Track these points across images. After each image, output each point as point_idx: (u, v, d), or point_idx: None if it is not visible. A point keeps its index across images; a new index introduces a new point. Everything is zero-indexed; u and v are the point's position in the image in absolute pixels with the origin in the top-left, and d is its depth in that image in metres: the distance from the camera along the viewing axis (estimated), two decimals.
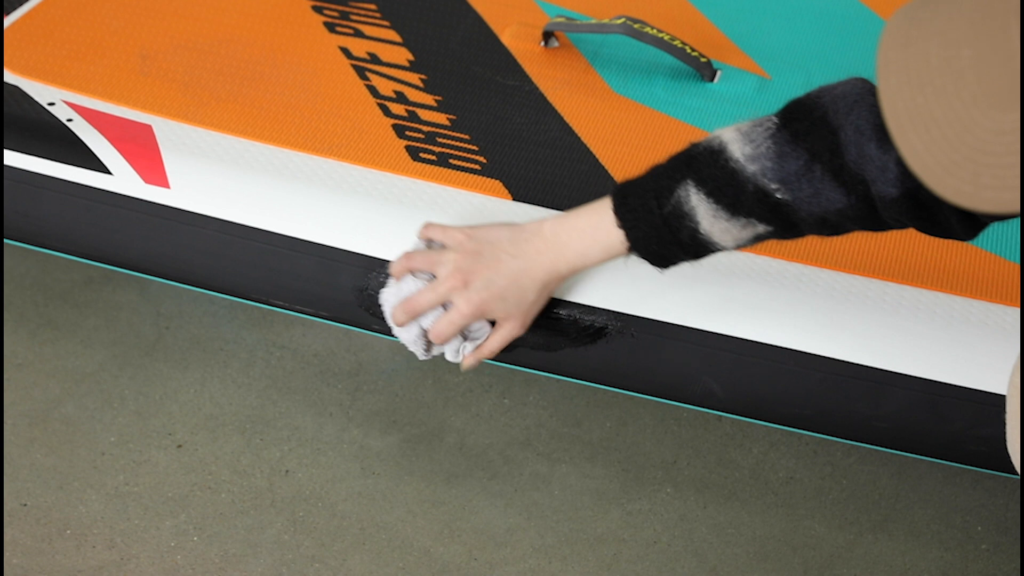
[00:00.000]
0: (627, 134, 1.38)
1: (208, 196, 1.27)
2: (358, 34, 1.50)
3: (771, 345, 1.18)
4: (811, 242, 1.23)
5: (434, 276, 1.13)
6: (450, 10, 1.55)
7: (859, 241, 1.25)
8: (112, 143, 1.30)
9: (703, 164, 1.02)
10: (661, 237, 1.04)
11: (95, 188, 1.28)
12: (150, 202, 1.27)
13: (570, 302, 1.20)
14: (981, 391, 1.15)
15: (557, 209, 1.28)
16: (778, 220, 1.01)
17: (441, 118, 1.38)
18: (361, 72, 1.44)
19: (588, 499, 1.47)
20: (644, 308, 1.18)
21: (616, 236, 1.06)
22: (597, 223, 1.07)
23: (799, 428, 1.21)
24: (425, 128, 1.37)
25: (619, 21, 1.45)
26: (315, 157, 1.32)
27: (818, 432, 1.22)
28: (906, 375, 1.16)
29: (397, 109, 1.39)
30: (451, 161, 1.32)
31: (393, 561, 1.40)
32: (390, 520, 1.44)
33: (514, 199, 1.29)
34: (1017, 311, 1.20)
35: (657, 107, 1.42)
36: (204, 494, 1.46)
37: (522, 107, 1.41)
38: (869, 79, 1.02)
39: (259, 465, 1.49)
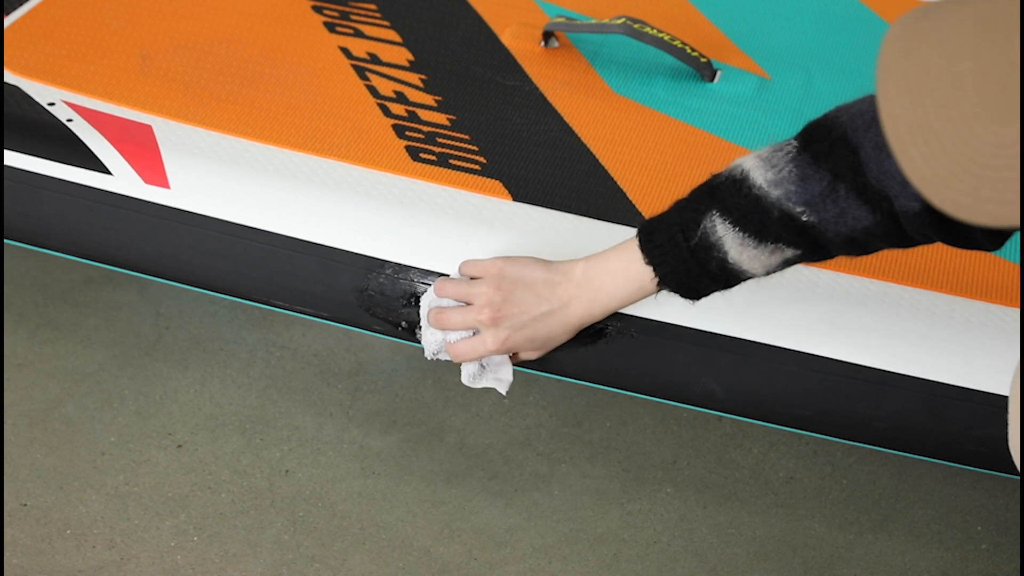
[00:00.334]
0: (627, 134, 1.38)
1: (208, 196, 1.27)
2: (358, 34, 1.50)
3: (771, 345, 1.18)
4: None
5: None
6: (450, 10, 1.55)
7: None
8: (112, 143, 1.30)
9: (727, 194, 1.02)
10: (690, 270, 1.05)
11: (95, 188, 1.28)
12: (150, 202, 1.27)
13: None
14: (981, 391, 1.15)
15: (557, 209, 1.28)
16: (806, 243, 1.02)
17: (441, 118, 1.38)
18: (361, 72, 1.44)
19: (588, 499, 1.47)
20: (644, 308, 1.18)
21: (646, 273, 1.07)
22: (627, 263, 1.07)
23: (799, 428, 1.21)
24: (425, 128, 1.37)
25: (619, 21, 1.45)
26: (315, 157, 1.32)
27: (818, 432, 1.22)
28: (906, 375, 1.16)
29: (397, 109, 1.39)
30: (451, 161, 1.32)
31: (393, 561, 1.40)
32: (390, 520, 1.44)
33: (514, 199, 1.29)
34: (1017, 311, 1.20)
35: (657, 107, 1.42)
36: (204, 494, 1.46)
37: (522, 107, 1.41)
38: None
39: (259, 465, 1.49)
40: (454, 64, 1.46)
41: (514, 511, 1.46)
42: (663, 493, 1.48)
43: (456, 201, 1.28)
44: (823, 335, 1.18)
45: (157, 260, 1.29)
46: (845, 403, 1.18)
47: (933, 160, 0.70)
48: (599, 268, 1.10)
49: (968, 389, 1.16)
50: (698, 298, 1.08)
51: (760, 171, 1.01)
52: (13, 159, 1.29)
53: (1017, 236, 1.28)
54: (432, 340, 1.16)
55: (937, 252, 1.25)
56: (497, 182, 1.31)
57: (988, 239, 0.97)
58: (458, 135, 1.36)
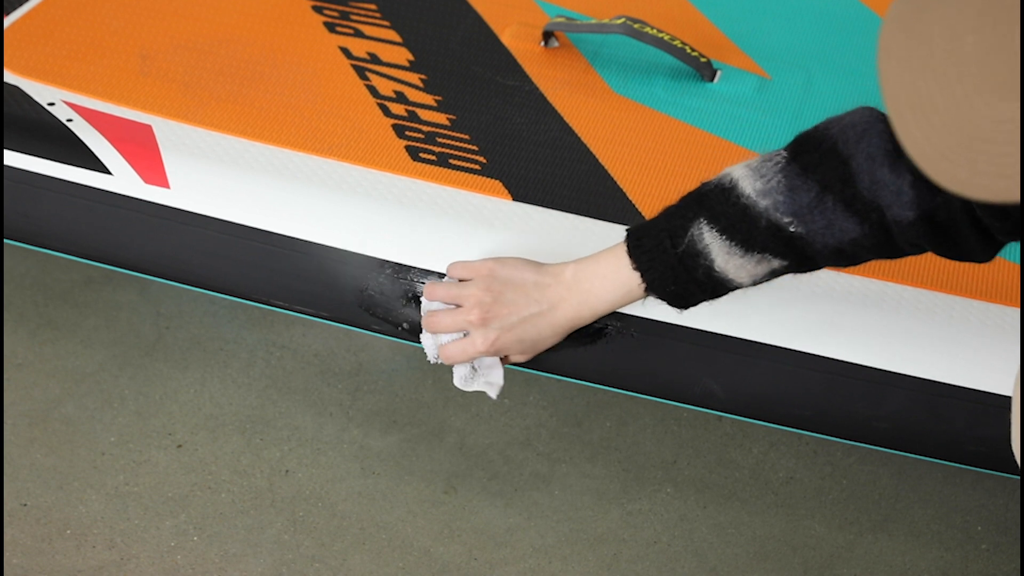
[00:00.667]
0: (627, 134, 1.38)
1: (208, 196, 1.27)
2: (358, 34, 1.50)
3: (771, 345, 1.18)
4: None
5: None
6: (450, 10, 1.55)
7: None
8: (112, 143, 1.30)
9: (715, 202, 1.02)
10: (677, 277, 1.05)
11: (95, 188, 1.28)
12: (150, 202, 1.27)
13: None
14: (981, 391, 1.15)
15: (557, 209, 1.28)
16: (793, 254, 1.02)
17: (441, 118, 1.38)
18: (361, 72, 1.44)
19: (588, 499, 1.47)
20: (644, 308, 1.18)
21: (634, 279, 1.07)
22: (616, 267, 1.08)
23: (799, 428, 1.21)
24: (425, 128, 1.37)
25: (619, 21, 1.45)
26: (315, 157, 1.32)
27: (818, 432, 1.22)
28: (906, 375, 1.16)
29: (397, 109, 1.39)
30: (451, 161, 1.32)
31: (393, 561, 1.40)
32: (390, 520, 1.44)
33: (514, 199, 1.29)
34: (1017, 311, 1.20)
35: (657, 107, 1.42)
36: (204, 494, 1.46)
37: (522, 107, 1.41)
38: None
39: (259, 465, 1.49)
40: (454, 64, 1.46)
41: (514, 511, 1.46)
42: (663, 493, 1.48)
43: (456, 201, 1.28)
44: (823, 335, 1.18)
45: (157, 260, 1.29)
46: (845, 403, 1.18)
47: (932, 134, 0.70)
48: (588, 271, 1.10)
49: (968, 389, 1.16)
50: (686, 307, 1.08)
51: (749, 180, 1.01)
52: (13, 159, 1.29)
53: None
54: (429, 344, 1.16)
55: None
56: (497, 182, 1.31)
57: (983, 249, 0.98)
58: (458, 135, 1.36)
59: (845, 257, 1.02)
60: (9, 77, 1.39)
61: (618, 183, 1.32)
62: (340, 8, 1.54)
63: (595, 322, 1.18)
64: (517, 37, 1.51)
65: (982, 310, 1.20)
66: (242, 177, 1.29)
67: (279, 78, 1.42)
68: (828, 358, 1.17)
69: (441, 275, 1.20)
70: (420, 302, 1.21)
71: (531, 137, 1.37)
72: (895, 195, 0.96)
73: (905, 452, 1.21)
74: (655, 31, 1.45)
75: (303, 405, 1.56)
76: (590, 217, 1.27)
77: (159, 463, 1.49)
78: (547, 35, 1.50)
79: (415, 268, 1.22)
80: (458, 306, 1.13)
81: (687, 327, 1.19)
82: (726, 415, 1.23)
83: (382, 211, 1.26)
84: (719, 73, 1.48)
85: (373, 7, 1.54)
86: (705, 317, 1.17)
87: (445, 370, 1.17)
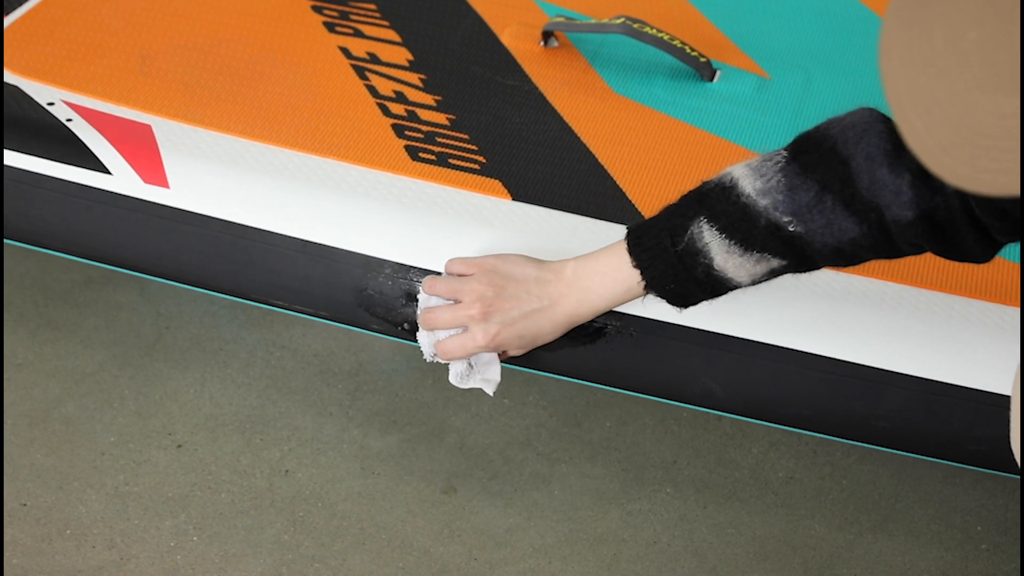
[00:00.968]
0: (627, 134, 1.38)
1: (208, 196, 1.27)
2: (358, 34, 1.50)
3: (771, 345, 1.18)
4: None
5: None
6: (450, 10, 1.55)
7: None
8: (112, 143, 1.30)
9: (715, 201, 1.02)
10: (677, 275, 1.05)
11: (95, 188, 1.28)
12: (150, 202, 1.27)
13: None
14: (980, 391, 1.15)
15: (556, 209, 1.28)
16: (792, 253, 1.02)
17: (441, 118, 1.38)
18: (361, 72, 1.44)
19: (588, 499, 1.47)
20: (644, 308, 1.18)
21: (634, 276, 1.07)
22: (616, 265, 1.08)
23: (799, 428, 1.21)
24: (425, 128, 1.37)
25: (619, 21, 1.45)
26: (315, 157, 1.32)
27: (818, 432, 1.22)
28: (905, 375, 1.16)
29: (397, 109, 1.39)
30: (451, 161, 1.32)
31: (393, 561, 1.40)
32: (390, 520, 1.44)
33: (513, 199, 1.29)
34: (1017, 311, 1.20)
35: (657, 107, 1.42)
36: (204, 494, 1.46)
37: (522, 107, 1.41)
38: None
39: (259, 465, 1.49)
40: (454, 64, 1.46)
41: (514, 511, 1.46)
42: (663, 493, 1.48)
43: (456, 200, 1.28)
44: (823, 335, 1.18)
45: (157, 260, 1.29)
46: (845, 403, 1.18)
47: (935, 130, 0.70)
48: (589, 268, 1.10)
49: (968, 388, 1.16)
50: (685, 306, 1.08)
51: (749, 180, 1.02)
52: (13, 159, 1.29)
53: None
54: (427, 342, 1.16)
55: None
56: (496, 181, 1.31)
57: (981, 249, 0.98)
58: (458, 134, 1.36)
59: (844, 257, 1.02)
60: (9, 77, 1.39)
61: (618, 183, 1.32)
62: (340, 8, 1.54)
63: (594, 321, 1.18)
64: (517, 37, 1.51)
65: (982, 310, 1.20)
66: (242, 177, 1.29)
67: (279, 78, 1.42)
68: (827, 357, 1.17)
69: (438, 274, 1.20)
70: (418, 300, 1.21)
71: (531, 137, 1.37)
72: (894, 195, 0.96)
73: (905, 452, 1.21)
74: (655, 31, 1.45)
75: (303, 405, 1.56)
76: (590, 217, 1.27)
77: (159, 463, 1.49)
78: (547, 35, 1.50)
79: (415, 268, 1.22)
80: (456, 302, 1.13)
81: (686, 326, 1.19)
82: (725, 415, 1.23)
83: (382, 211, 1.26)
84: (719, 73, 1.48)
85: (373, 7, 1.55)
86: (704, 316, 1.17)
87: (445, 369, 1.16)
